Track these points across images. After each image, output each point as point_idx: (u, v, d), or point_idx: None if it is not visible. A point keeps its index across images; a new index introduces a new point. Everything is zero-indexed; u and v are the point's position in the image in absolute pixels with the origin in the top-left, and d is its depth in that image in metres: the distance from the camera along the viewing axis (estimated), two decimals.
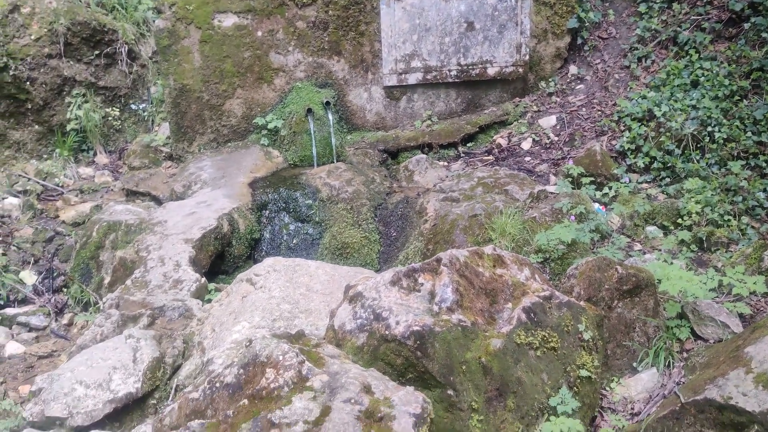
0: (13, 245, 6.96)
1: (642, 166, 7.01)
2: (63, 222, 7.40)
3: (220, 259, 6.60)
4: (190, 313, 5.25)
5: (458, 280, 3.75)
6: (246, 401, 3.22)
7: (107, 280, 6.32)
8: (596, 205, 6.52)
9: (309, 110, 7.63)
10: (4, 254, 6.80)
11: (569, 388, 3.84)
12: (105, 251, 6.68)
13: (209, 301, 5.49)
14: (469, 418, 3.46)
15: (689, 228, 6.13)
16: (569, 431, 3.49)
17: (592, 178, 6.74)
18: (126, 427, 4.23)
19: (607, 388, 4.63)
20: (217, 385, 3.38)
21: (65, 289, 6.70)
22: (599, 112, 7.92)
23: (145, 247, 6.16)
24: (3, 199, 7.52)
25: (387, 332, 3.52)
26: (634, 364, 4.73)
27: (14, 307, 6.45)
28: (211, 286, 5.93)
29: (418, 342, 3.44)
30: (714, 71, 7.34)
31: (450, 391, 3.45)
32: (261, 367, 3.32)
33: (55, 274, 6.79)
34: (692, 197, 6.31)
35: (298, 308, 4.60)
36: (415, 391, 3.21)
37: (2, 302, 6.42)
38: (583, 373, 4.02)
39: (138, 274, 5.84)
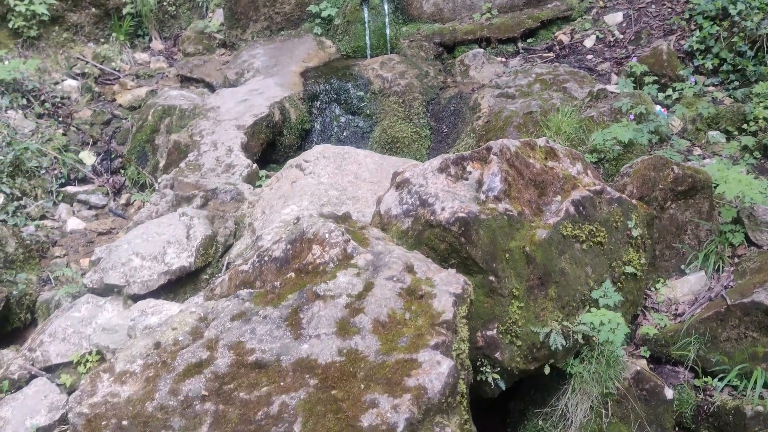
0: (73, 126, 7.14)
1: (710, 67, 6.65)
2: (120, 105, 7.53)
3: (271, 148, 6.66)
4: (241, 196, 5.37)
5: (507, 169, 3.70)
6: (292, 274, 3.31)
7: (162, 163, 6.47)
8: (657, 107, 6.26)
9: None
10: (64, 134, 7.00)
11: (613, 283, 3.83)
12: (160, 135, 6.80)
13: (260, 186, 5.59)
14: (509, 304, 3.49)
15: (754, 134, 5.86)
16: (609, 323, 3.51)
17: (656, 78, 6.45)
18: (179, 299, 4.43)
19: (652, 289, 4.61)
20: (266, 258, 3.48)
21: (122, 171, 6.90)
22: (669, 10, 7.47)
23: (199, 131, 6.24)
24: (62, 80, 7.66)
25: (432, 218, 3.53)
26: (682, 267, 4.67)
27: (75, 185, 6.69)
28: (262, 172, 6.02)
29: (463, 228, 3.45)
30: None
31: (492, 278, 3.47)
32: (307, 243, 3.39)
33: (112, 156, 6.98)
34: (761, 102, 5.99)
35: (345, 195, 4.64)
36: (457, 273, 3.25)
37: (63, 180, 6.66)
38: (629, 269, 3.99)
39: (191, 157, 5.95)
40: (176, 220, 4.67)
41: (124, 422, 2.71)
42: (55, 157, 6.67)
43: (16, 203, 6.07)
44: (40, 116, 7.10)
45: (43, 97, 7.23)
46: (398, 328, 2.95)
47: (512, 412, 4.06)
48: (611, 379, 3.66)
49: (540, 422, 3.82)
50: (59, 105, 7.36)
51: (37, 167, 6.46)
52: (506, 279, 3.49)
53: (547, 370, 3.63)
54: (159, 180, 5.70)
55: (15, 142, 6.42)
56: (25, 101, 7.10)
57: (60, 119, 7.14)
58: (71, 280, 4.79)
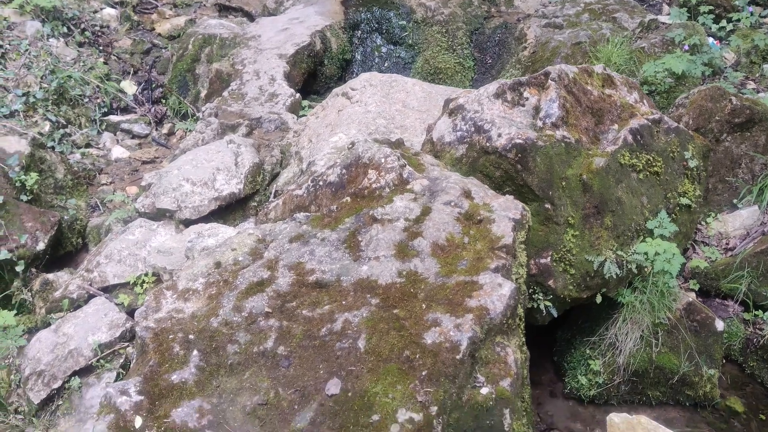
0: (113, 55, 7.13)
1: None
2: (159, 35, 7.48)
3: (312, 79, 6.59)
4: (286, 126, 5.35)
5: (565, 96, 3.62)
6: (348, 199, 3.32)
7: (203, 92, 6.45)
8: (710, 39, 6.05)
9: None
10: (105, 63, 6.98)
11: (667, 214, 3.78)
12: (201, 64, 6.76)
13: (303, 116, 5.56)
14: (564, 232, 3.48)
15: None
16: (665, 253, 3.48)
17: (711, 8, 6.21)
18: (228, 224, 4.48)
19: (703, 223, 4.55)
20: (320, 183, 3.49)
21: (163, 101, 6.90)
22: None
23: (240, 60, 6.19)
24: (101, 9, 7.60)
25: (488, 144, 3.49)
26: (735, 201, 4.59)
27: (117, 114, 6.72)
28: (305, 103, 5.98)
29: (520, 155, 3.41)
30: None
31: (547, 205, 3.45)
32: (363, 168, 3.38)
33: (153, 86, 6.97)
34: None
35: (393, 124, 4.60)
36: (515, 199, 3.23)
37: (106, 110, 6.68)
38: (684, 201, 3.93)
39: (234, 86, 5.92)
40: (224, 147, 4.68)
41: (191, 336, 2.78)
42: (98, 86, 6.67)
43: (61, 131, 6.12)
44: (80, 45, 7.08)
45: (83, 26, 7.19)
46: (457, 251, 2.96)
47: (559, 342, 4.10)
48: (663, 309, 3.66)
49: (587, 351, 3.86)
50: (99, 34, 7.32)
51: (80, 95, 6.48)
52: (562, 207, 3.46)
53: (598, 299, 3.63)
54: (203, 108, 5.69)
55: (58, 70, 6.43)
56: (65, 29, 7.07)
57: (101, 48, 7.12)
58: (121, 206, 4.86)
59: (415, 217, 3.11)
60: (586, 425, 3.69)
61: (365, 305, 2.76)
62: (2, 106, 5.87)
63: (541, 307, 3.52)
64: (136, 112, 6.78)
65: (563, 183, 3.47)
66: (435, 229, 3.03)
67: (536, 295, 3.52)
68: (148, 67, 7.15)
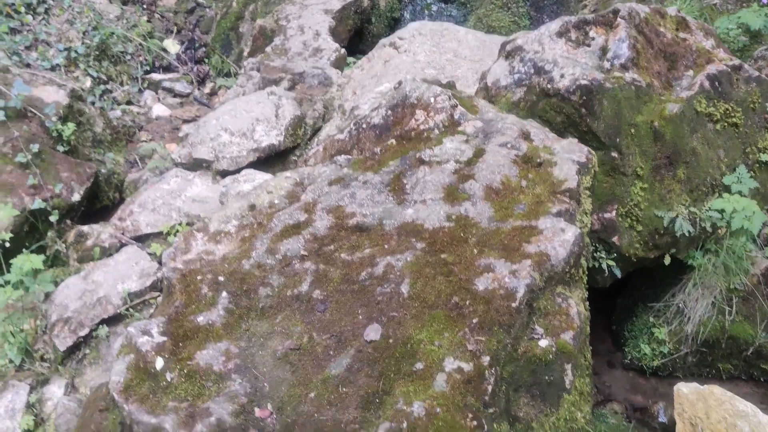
0: (157, 13, 6.98)
1: None
2: None
3: (359, 37, 6.32)
4: (329, 81, 5.10)
5: (636, 36, 3.27)
6: (393, 141, 3.06)
7: (246, 50, 6.24)
8: None
9: None
10: (148, 21, 6.84)
11: (746, 170, 3.40)
12: (245, 22, 6.56)
13: (348, 70, 5.30)
14: (631, 184, 3.15)
15: None
16: (744, 210, 3.12)
17: None
18: None
19: None
20: (364, 126, 3.23)
21: (206, 60, 6.73)
22: None
23: (285, 16, 5.96)
24: None
25: (549, 86, 3.17)
26: None
27: (159, 73, 6.57)
28: (350, 59, 5.71)
29: (584, 98, 3.08)
30: None
31: (614, 154, 3.12)
32: (410, 108, 3.11)
33: (196, 45, 6.81)
34: None
35: (443, 74, 4.31)
36: (579, 143, 2.91)
37: (148, 68, 6.55)
38: (764, 157, 3.54)
39: (278, 41, 5.70)
40: (264, 99, 4.46)
41: (220, 278, 2.56)
42: (140, 44, 6.54)
43: (102, 87, 6.00)
44: (124, 3, 6.95)
45: None
46: (513, 195, 2.67)
47: (619, 308, 3.77)
48: (739, 273, 3.30)
49: (651, 318, 3.52)
50: None
51: (122, 52, 6.35)
52: (630, 156, 3.13)
53: (667, 260, 3.30)
54: (245, 63, 5.48)
55: (101, 27, 6.31)
56: None
57: (144, 6, 6.98)
58: (159, 156, 4.70)
59: (467, 159, 2.82)
60: (648, 397, 3.37)
61: (410, 249, 2.50)
62: (44, 60, 5.78)
63: (603, 266, 3.20)
64: (178, 71, 6.63)
65: (632, 130, 3.14)
66: (489, 172, 2.74)
67: (598, 253, 3.20)
68: (191, 26, 6.98)
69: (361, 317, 2.31)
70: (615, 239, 3.16)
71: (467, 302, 2.24)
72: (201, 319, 2.40)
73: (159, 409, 2.09)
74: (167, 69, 6.68)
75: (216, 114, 4.36)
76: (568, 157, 2.75)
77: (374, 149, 3.05)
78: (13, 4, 6.14)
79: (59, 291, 3.45)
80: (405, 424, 1.90)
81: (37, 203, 4.25)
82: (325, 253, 2.59)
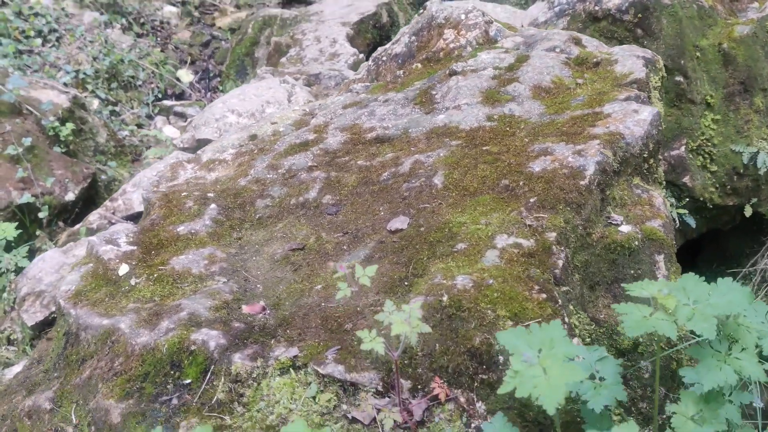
0: (172, 45, 6.81)
1: None
2: (219, 28, 7.16)
3: None
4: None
5: None
6: (419, 65, 2.62)
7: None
8: None
9: None
10: (162, 51, 6.66)
11: None
12: (260, 47, 6.33)
13: None
14: (701, 115, 2.66)
15: None
16: None
17: None
18: None
19: None
20: (384, 58, 2.81)
21: (220, 88, 6.47)
22: None
23: (300, 31, 5.71)
24: (162, 7, 7.37)
25: (596, 8, 2.75)
26: None
27: (171, 100, 6.32)
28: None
29: (640, 16, 2.65)
30: None
31: (679, 78, 2.65)
32: (438, 29, 2.69)
33: (211, 75, 6.58)
34: None
35: None
36: (640, 47, 2.45)
37: (161, 95, 6.29)
38: None
39: (293, 52, 5.41)
40: (276, 85, 4.09)
41: (210, 194, 2.07)
42: (153, 72, 6.32)
43: (110, 107, 5.73)
44: (138, 36, 6.81)
45: (142, 20, 6.94)
46: (568, 91, 2.19)
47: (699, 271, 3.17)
48: None
49: None
50: (159, 28, 7.05)
51: (133, 77, 6.12)
52: (697, 81, 2.65)
53: (748, 211, 2.75)
54: (258, 70, 5.18)
55: (111, 53, 6.12)
56: (124, 21, 6.83)
57: (159, 39, 6.82)
58: (162, 144, 4.31)
59: (508, 65, 2.37)
60: None
61: (443, 147, 2.00)
62: (50, 78, 5.54)
63: (674, 215, 2.66)
64: (191, 99, 6.37)
65: (698, 54, 2.68)
66: (536, 74, 2.28)
67: (668, 200, 2.66)
68: (206, 57, 6.79)
69: (382, 213, 1.80)
70: (686, 180, 2.64)
71: (520, 183, 1.73)
72: (182, 228, 1.90)
73: (115, 310, 1.56)
74: (180, 97, 6.42)
75: (223, 98, 3.99)
76: (630, 54, 2.28)
77: (397, 73, 2.62)
78: (24, 31, 5.99)
79: (34, 264, 2.97)
80: (445, 297, 1.35)
81: (26, 197, 3.84)
82: (338, 164, 2.10)
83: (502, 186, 1.74)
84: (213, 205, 2.00)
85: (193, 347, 1.37)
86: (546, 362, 0.93)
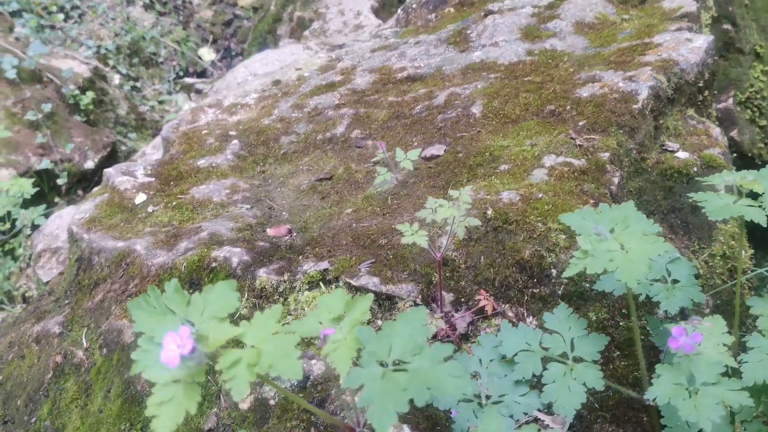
0: (193, 23, 6.74)
1: None
2: (241, 7, 7.08)
3: None
4: None
5: None
6: (451, 9, 2.49)
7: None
8: None
9: None
10: (184, 29, 6.59)
11: None
12: (282, 24, 6.24)
13: None
14: (750, 65, 2.50)
15: None
16: None
17: None
18: None
19: None
20: (414, 5, 2.68)
21: None
22: None
23: (324, 5, 5.60)
24: None
25: None
26: None
27: (193, 78, 6.25)
28: None
29: None
30: None
31: (727, 26, 2.49)
32: None
33: (233, 53, 6.50)
34: None
35: None
36: None
37: (182, 73, 6.22)
38: None
39: (316, 26, 5.31)
40: (299, 50, 3.97)
41: (232, 132, 1.96)
42: (174, 50, 6.25)
43: (132, 83, 5.66)
44: (161, 14, 6.75)
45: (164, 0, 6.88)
46: (613, 26, 2.05)
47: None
48: None
49: None
50: (181, 7, 6.99)
51: (154, 54, 6.06)
52: (746, 30, 2.49)
53: None
54: (280, 43, 5.08)
55: (133, 30, 6.06)
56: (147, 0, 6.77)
57: (181, 17, 6.76)
58: (180, 108, 4.22)
59: (547, 3, 2.23)
60: None
61: (480, 80, 1.87)
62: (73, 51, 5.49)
63: None
64: (212, 76, 6.29)
65: (746, 0, 2.52)
66: (578, 11, 2.14)
67: None
68: (228, 36, 6.71)
69: (416, 144, 1.67)
70: (734, 134, 2.48)
71: (567, 107, 1.59)
72: (202, 162, 1.79)
73: (131, 234, 1.45)
74: (201, 75, 6.35)
75: (245, 63, 3.89)
76: None
77: (428, 17, 2.49)
78: (46, 7, 5.95)
79: (50, 221, 2.88)
80: (490, 211, 1.22)
81: (44, 163, 3.78)
82: (367, 101, 1.98)
83: (547, 111, 1.60)
84: (235, 141, 1.89)
85: (214, 264, 1.25)
86: (622, 237, 0.80)
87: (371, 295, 0.71)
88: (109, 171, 1.75)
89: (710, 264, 1.43)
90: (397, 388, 0.57)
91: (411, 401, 0.56)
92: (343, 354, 0.62)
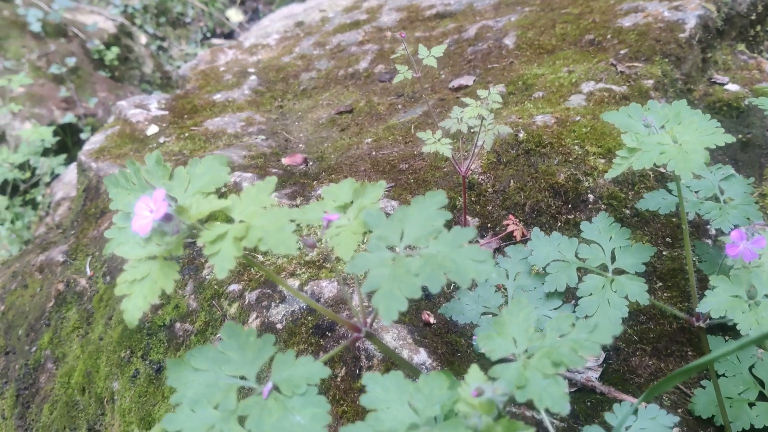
0: None
1: None
2: None
3: None
4: None
5: None
6: None
7: None
8: None
9: None
10: None
11: None
12: None
13: None
14: None
15: None
16: None
17: None
18: None
19: None
20: None
21: None
22: None
23: None
24: None
25: None
26: None
27: (220, 39, 6.17)
28: None
29: None
30: None
31: None
32: None
33: (260, 15, 6.40)
34: None
35: None
36: None
37: (210, 34, 6.15)
38: None
39: None
40: (326, 2, 3.85)
41: (250, 69, 1.88)
42: (202, 10, 6.17)
43: (158, 43, 5.61)
44: None
45: None
46: None
47: None
48: None
49: None
50: None
51: (181, 14, 5.98)
52: None
53: None
54: None
55: None
56: None
57: None
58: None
59: None
60: None
61: (513, 13, 1.75)
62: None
63: None
64: (240, 37, 6.21)
65: None
66: None
67: None
68: None
69: (443, 76, 1.57)
70: None
71: (608, 36, 1.47)
72: (218, 96, 1.71)
73: (140, 162, 1.37)
74: (229, 36, 6.27)
75: (271, 16, 3.78)
76: None
77: None
78: None
79: (70, 169, 2.84)
80: (522, 134, 1.12)
81: (68, 117, 3.74)
82: (392, 38, 1.87)
83: (586, 41, 1.49)
84: (253, 77, 1.80)
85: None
86: (675, 130, 0.70)
87: (383, 182, 0.62)
88: (121, 103, 1.68)
89: (762, 204, 1.31)
90: (409, 273, 0.48)
91: (424, 289, 0.47)
92: (348, 238, 0.53)
